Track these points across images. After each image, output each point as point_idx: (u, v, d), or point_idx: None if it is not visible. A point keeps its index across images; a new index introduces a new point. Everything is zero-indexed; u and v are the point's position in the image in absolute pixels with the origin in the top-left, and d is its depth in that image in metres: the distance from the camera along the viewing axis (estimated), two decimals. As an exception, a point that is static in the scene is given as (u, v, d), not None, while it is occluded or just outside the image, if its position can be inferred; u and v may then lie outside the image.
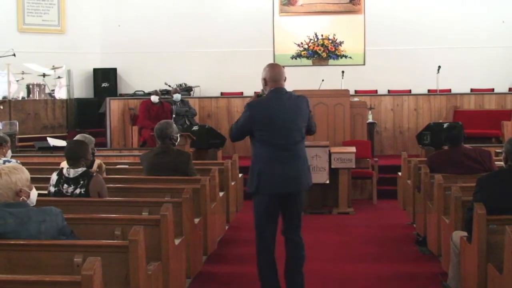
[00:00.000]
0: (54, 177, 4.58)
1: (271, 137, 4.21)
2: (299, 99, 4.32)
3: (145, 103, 10.79)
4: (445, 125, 8.21)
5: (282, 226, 4.34)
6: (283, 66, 4.50)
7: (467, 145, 5.78)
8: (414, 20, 12.70)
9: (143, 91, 12.53)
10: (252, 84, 12.33)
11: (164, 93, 11.88)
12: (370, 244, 6.20)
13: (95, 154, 5.82)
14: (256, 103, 4.34)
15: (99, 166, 5.26)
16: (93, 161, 5.21)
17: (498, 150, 7.48)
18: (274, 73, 4.29)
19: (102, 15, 13.24)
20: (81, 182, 4.46)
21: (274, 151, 4.21)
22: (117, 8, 13.16)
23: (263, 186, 4.19)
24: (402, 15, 12.72)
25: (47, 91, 11.68)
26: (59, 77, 11.96)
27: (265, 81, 4.31)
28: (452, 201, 4.65)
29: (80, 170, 4.50)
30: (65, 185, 4.47)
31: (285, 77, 4.34)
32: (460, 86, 12.07)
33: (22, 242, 3.23)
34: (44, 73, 11.71)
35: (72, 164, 4.51)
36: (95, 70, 13.10)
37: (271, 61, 12.86)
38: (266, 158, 4.22)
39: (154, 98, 10.72)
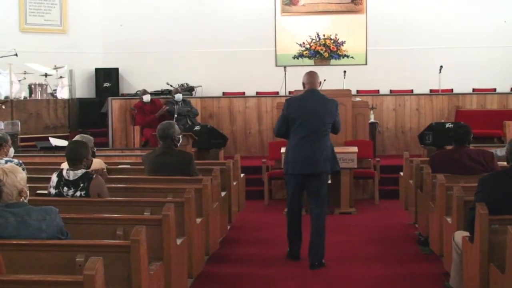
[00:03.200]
0: (54, 178, 4.52)
1: (299, 127, 5.26)
2: (329, 101, 5.38)
3: (137, 105, 10.81)
4: (451, 125, 8.21)
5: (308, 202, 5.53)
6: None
7: (471, 146, 5.76)
8: (416, 20, 12.70)
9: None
10: (254, 83, 12.47)
11: (166, 93, 11.89)
12: (372, 244, 6.20)
13: (95, 153, 5.81)
14: (293, 98, 5.54)
15: (96, 170, 5.10)
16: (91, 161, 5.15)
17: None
18: (310, 78, 5.44)
19: (104, 15, 13.24)
20: (81, 185, 4.41)
21: (300, 140, 5.27)
22: (119, 8, 13.17)
23: (289, 168, 5.35)
24: (404, 15, 12.72)
25: (49, 91, 11.68)
26: (61, 77, 11.96)
27: (303, 84, 5.47)
28: (454, 201, 4.65)
29: (80, 172, 4.44)
30: (65, 188, 4.42)
31: (320, 82, 5.55)
32: (462, 86, 12.05)
33: (23, 242, 3.22)
34: (46, 73, 11.71)
35: (73, 165, 4.46)
36: (97, 70, 13.10)
37: (273, 61, 13.01)
38: (293, 145, 5.31)
39: (147, 98, 10.74)
